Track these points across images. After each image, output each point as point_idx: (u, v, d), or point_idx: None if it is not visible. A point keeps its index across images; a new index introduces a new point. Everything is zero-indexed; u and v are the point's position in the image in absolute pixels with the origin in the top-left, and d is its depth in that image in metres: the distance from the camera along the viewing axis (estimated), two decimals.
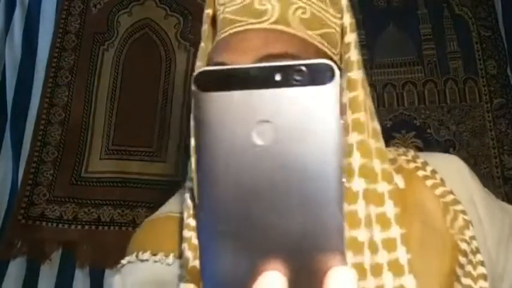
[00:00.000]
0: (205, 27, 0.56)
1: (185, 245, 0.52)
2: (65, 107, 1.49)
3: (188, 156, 0.56)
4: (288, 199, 0.23)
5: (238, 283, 0.24)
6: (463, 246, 0.51)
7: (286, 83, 0.23)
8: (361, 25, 1.52)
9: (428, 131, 1.40)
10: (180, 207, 0.59)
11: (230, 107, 0.23)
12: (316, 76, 0.23)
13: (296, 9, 0.51)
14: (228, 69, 0.24)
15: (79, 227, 1.37)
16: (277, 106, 0.23)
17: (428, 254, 0.50)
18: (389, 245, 0.47)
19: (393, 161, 0.57)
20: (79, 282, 1.33)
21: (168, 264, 0.56)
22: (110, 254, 1.32)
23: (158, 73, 1.52)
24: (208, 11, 0.56)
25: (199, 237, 0.24)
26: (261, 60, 0.48)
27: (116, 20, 1.57)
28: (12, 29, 1.56)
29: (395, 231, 0.48)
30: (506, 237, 0.56)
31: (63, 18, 1.58)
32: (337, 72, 0.23)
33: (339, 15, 0.54)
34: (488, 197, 0.59)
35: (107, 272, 1.33)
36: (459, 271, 0.50)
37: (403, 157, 0.59)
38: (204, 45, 0.55)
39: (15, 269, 1.34)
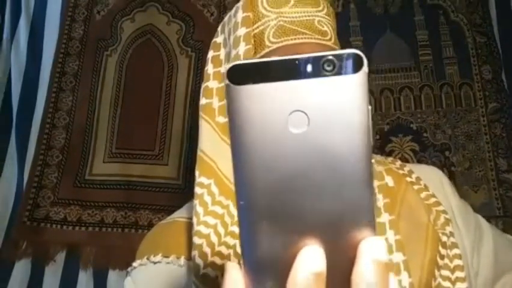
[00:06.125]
0: (246, 30, 0.55)
1: (195, 252, 0.51)
2: (70, 111, 1.52)
3: (193, 163, 0.57)
4: (322, 181, 0.24)
5: (278, 260, 0.25)
6: (444, 238, 0.56)
7: (317, 73, 0.23)
8: (359, 31, 1.55)
9: (425, 134, 1.42)
10: (189, 213, 0.60)
11: (264, 99, 0.24)
12: (346, 65, 0.24)
13: (336, 36, 0.59)
14: (260, 62, 0.24)
15: (83, 228, 1.39)
16: (310, 96, 0.24)
17: (412, 245, 0.54)
18: (380, 231, 0.52)
19: (383, 164, 0.65)
20: (83, 284, 1.35)
21: (180, 266, 0.58)
22: (113, 256, 1.34)
23: (160, 78, 1.54)
24: (248, 14, 0.57)
25: (239, 221, 0.25)
26: None
27: (120, 26, 1.60)
28: (18, 35, 1.58)
29: (385, 218, 0.54)
30: (478, 240, 0.63)
31: (67, 25, 1.60)
32: (365, 61, 0.24)
33: None
34: (463, 205, 0.66)
35: (111, 273, 1.35)
36: (440, 261, 0.55)
37: (392, 165, 0.66)
38: (250, 48, 0.55)
39: (20, 270, 1.36)
